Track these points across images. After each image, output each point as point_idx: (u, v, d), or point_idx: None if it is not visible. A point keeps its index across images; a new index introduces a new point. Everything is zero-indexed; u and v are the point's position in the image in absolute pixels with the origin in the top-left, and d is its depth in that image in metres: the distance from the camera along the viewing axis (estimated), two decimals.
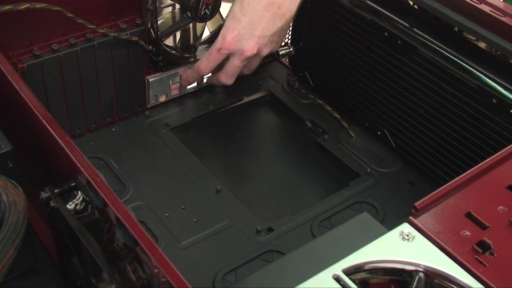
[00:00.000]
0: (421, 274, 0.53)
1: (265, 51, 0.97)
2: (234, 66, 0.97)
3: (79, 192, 0.61)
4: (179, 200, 0.87)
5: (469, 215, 0.57)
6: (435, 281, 0.53)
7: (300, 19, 1.02)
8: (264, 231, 0.82)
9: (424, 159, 0.91)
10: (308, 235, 0.82)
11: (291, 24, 1.03)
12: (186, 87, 1.03)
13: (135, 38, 0.92)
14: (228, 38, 0.93)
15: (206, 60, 0.96)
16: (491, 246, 0.54)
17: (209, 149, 0.99)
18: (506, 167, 0.62)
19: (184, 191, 0.88)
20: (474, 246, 0.54)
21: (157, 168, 0.92)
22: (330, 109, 1.03)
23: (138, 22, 0.92)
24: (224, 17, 1.00)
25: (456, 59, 0.82)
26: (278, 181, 0.94)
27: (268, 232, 0.83)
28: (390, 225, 0.59)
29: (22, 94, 0.66)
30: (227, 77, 0.99)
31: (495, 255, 0.54)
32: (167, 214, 0.84)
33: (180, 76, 1.01)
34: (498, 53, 0.78)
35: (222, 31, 0.94)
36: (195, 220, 0.84)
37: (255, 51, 0.94)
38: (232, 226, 0.83)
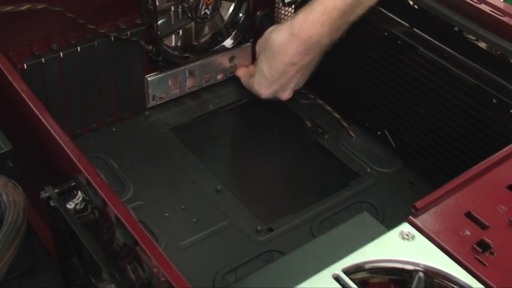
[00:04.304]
0: (421, 274, 0.53)
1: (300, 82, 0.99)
2: None
3: (79, 192, 0.61)
4: (179, 200, 0.87)
5: (469, 215, 0.57)
6: (435, 280, 0.53)
7: None
8: (264, 231, 0.82)
9: (424, 159, 0.91)
10: (308, 235, 0.82)
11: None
12: (186, 87, 1.02)
13: (135, 38, 0.92)
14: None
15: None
16: (491, 245, 0.54)
17: (209, 149, 0.99)
18: (506, 167, 0.62)
19: (184, 191, 0.88)
20: (474, 245, 0.54)
21: (157, 168, 0.92)
22: (330, 109, 1.03)
23: (138, 22, 0.92)
24: (225, 18, 1.00)
25: (456, 59, 0.82)
26: (278, 181, 0.94)
27: (268, 232, 0.82)
28: (390, 225, 0.59)
29: (22, 94, 0.66)
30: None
31: (495, 254, 0.54)
32: (167, 214, 0.84)
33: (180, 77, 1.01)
34: (498, 53, 0.78)
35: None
36: (195, 220, 0.84)
37: (291, 95, 0.99)
38: (232, 226, 0.83)
